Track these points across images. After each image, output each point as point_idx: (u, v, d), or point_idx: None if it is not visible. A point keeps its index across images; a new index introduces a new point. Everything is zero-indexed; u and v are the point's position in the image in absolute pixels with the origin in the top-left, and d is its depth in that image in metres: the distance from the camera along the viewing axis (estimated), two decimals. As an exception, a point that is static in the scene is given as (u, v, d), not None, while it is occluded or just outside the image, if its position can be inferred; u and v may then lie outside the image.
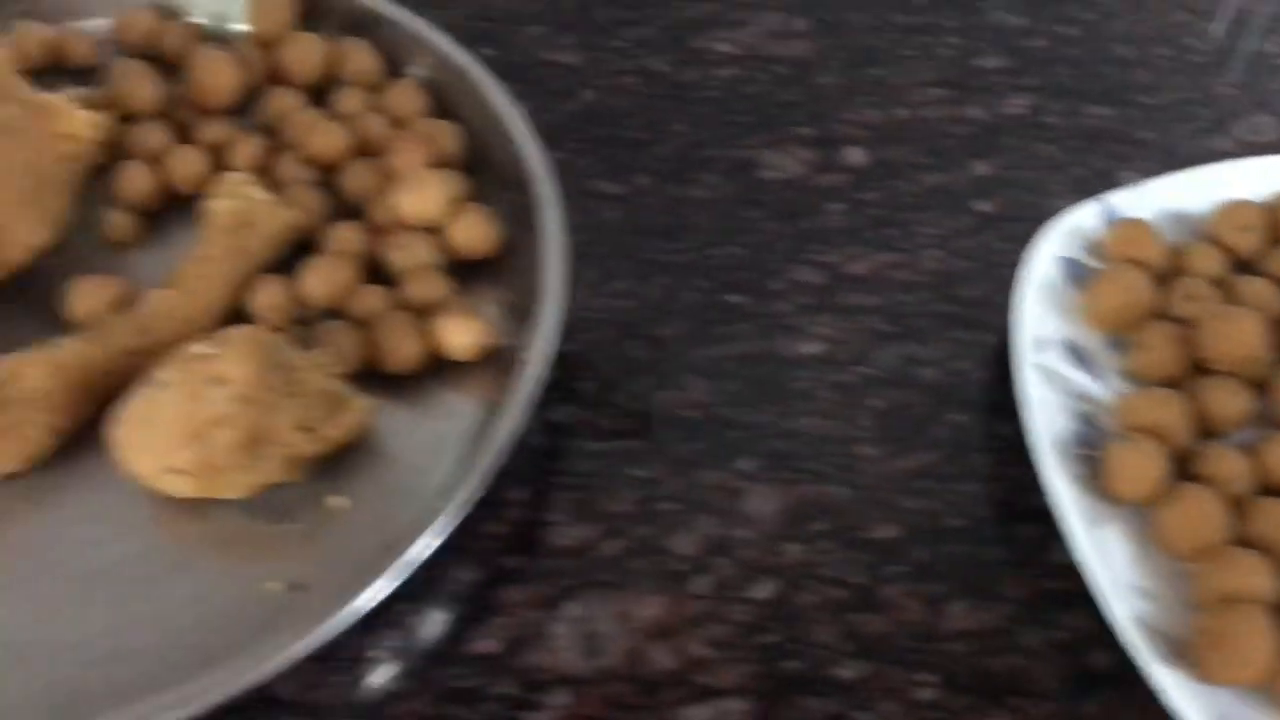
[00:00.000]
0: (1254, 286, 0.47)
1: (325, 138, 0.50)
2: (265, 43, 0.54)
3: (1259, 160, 0.52)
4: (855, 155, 0.56)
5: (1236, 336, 0.44)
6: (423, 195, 0.47)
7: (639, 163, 0.55)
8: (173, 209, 0.51)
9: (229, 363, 0.41)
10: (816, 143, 0.56)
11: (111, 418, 0.42)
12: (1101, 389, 0.46)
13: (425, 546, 0.39)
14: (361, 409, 0.43)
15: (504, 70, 0.52)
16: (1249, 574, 0.39)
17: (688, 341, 0.49)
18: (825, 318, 0.50)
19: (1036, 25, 0.63)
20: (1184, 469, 0.43)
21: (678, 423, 0.46)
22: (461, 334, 0.45)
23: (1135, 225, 0.48)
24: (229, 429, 0.41)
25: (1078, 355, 0.46)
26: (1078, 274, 0.48)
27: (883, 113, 0.58)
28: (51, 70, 0.55)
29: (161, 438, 0.41)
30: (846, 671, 0.41)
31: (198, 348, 0.41)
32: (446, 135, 0.51)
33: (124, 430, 0.41)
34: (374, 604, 0.38)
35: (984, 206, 0.54)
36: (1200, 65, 0.61)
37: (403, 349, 0.45)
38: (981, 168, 0.56)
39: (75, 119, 0.48)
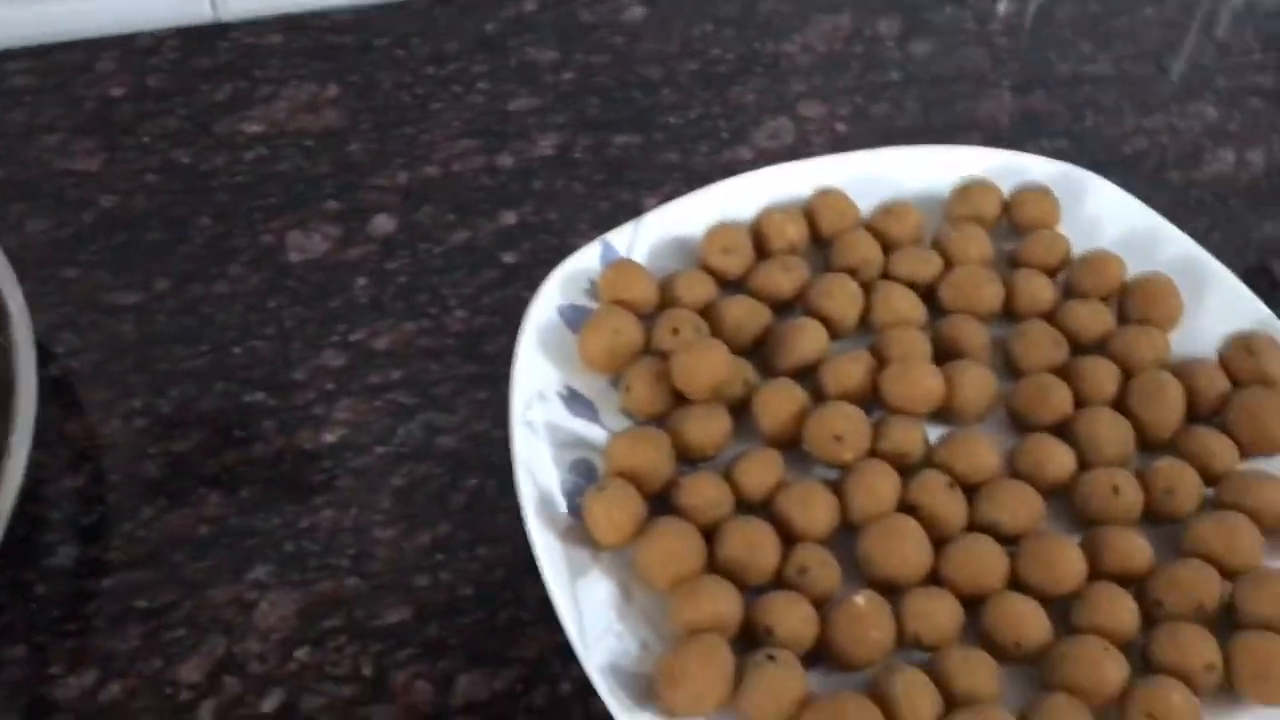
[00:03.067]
0: (737, 309, 0.49)
1: None
2: None
3: (748, 176, 0.53)
4: (383, 223, 0.56)
5: (702, 368, 0.45)
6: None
7: (159, 266, 0.54)
8: None
9: None
10: (343, 216, 0.56)
11: None
12: (605, 434, 0.47)
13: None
14: None
15: (13, 189, 0.51)
16: (710, 602, 0.40)
17: (204, 452, 0.48)
18: (347, 401, 0.50)
19: (566, 58, 0.64)
20: (671, 502, 0.44)
21: (190, 542, 0.46)
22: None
23: (621, 266, 0.49)
24: None
25: (579, 402, 0.48)
26: (580, 319, 0.49)
27: (411, 173, 0.58)
28: None
29: None
30: (359, 769, 0.41)
31: None
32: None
33: None
34: None
35: (510, 257, 0.55)
36: (725, 75, 0.63)
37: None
38: (509, 217, 0.56)
39: None
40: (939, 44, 0.65)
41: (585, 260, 0.51)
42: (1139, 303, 0.50)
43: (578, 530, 0.43)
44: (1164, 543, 0.44)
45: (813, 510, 0.43)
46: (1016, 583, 0.43)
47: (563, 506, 0.44)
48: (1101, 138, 0.61)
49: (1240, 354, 0.48)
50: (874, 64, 0.64)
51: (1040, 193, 0.52)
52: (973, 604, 0.42)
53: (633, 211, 0.56)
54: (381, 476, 0.48)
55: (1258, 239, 0.57)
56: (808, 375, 0.48)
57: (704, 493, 0.44)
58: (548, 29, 0.65)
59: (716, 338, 0.49)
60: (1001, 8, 0.67)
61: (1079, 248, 0.52)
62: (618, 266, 0.49)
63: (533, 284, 0.53)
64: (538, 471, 0.44)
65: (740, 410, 0.47)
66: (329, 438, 0.49)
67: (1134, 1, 0.69)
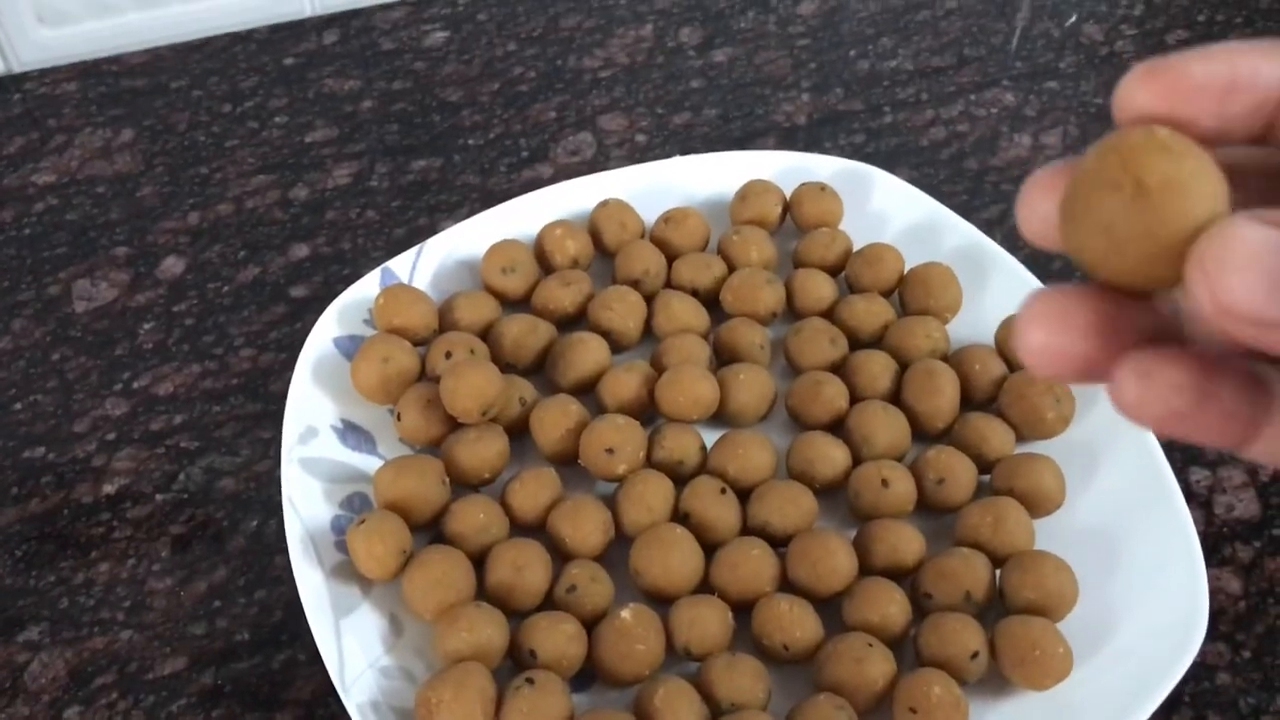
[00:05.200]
0: (515, 327, 0.48)
1: None
2: None
3: (533, 195, 0.53)
4: (172, 266, 0.55)
5: (466, 389, 0.44)
6: None
7: (-62, 328, 0.53)
8: None
9: None
10: (132, 261, 0.55)
11: None
12: (381, 463, 0.46)
13: None
14: None
15: None
16: (470, 629, 0.40)
17: (-23, 513, 0.47)
18: (128, 450, 0.49)
19: (367, 86, 0.63)
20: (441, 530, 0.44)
21: (-42, 606, 0.45)
22: None
23: (393, 292, 0.49)
24: None
25: (357, 435, 0.47)
26: (355, 350, 0.49)
27: (203, 213, 0.57)
28: None
29: None
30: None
31: None
32: None
33: None
34: None
35: (299, 291, 0.54)
36: (526, 94, 0.63)
37: None
38: (300, 250, 0.56)
39: None
40: (740, 50, 0.65)
41: (365, 289, 0.50)
42: (918, 293, 0.50)
43: (348, 566, 0.43)
44: (942, 533, 0.44)
45: (583, 526, 0.43)
46: (788, 584, 0.42)
47: (333, 543, 0.43)
48: (899, 131, 0.61)
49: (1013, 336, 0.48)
50: (676, 74, 0.64)
51: (819, 191, 0.52)
52: (746, 608, 0.42)
53: (429, 236, 0.55)
54: (160, 525, 0.47)
55: (1051, 221, 0.57)
56: (592, 390, 0.48)
57: (472, 518, 0.43)
58: (348, 59, 0.64)
59: (498, 358, 0.48)
60: (804, 8, 0.67)
61: (865, 242, 0.52)
62: (389, 293, 0.49)
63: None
64: (307, 509, 0.44)
65: (522, 430, 0.47)
66: (108, 489, 0.48)
67: (936, -6, 0.69)
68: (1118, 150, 0.18)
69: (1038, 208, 0.19)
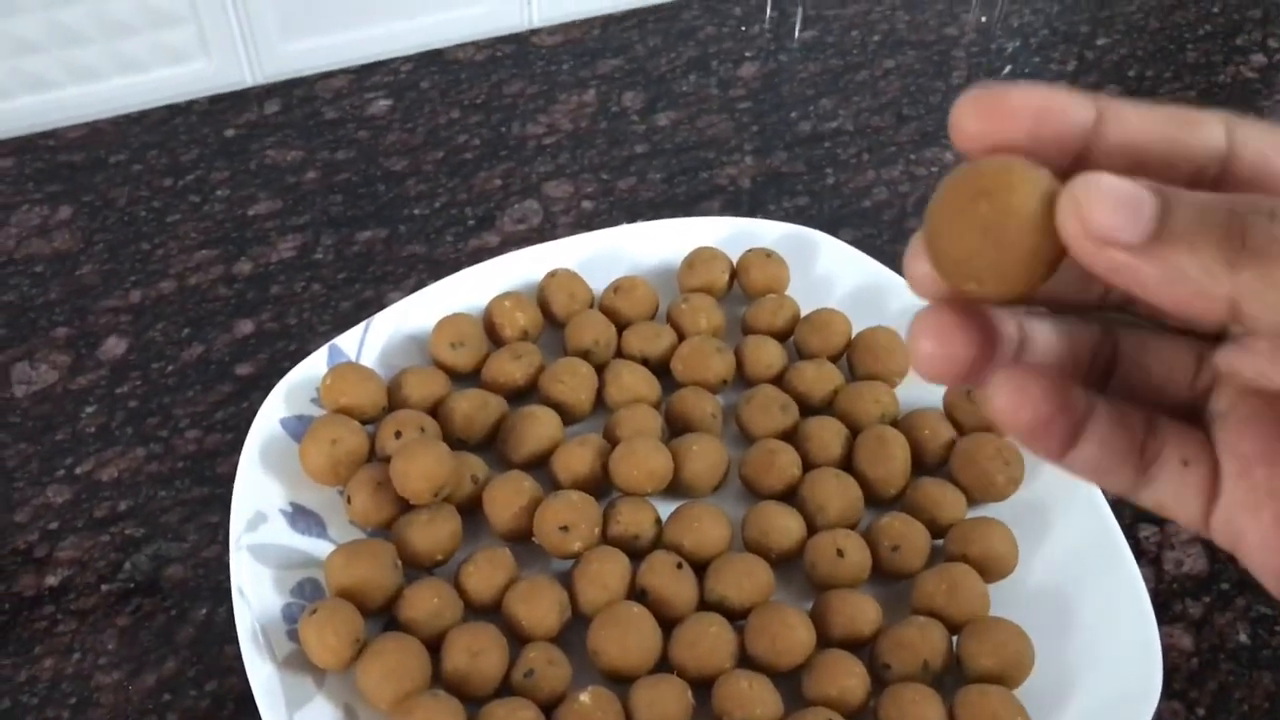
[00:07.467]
0: (466, 403, 0.48)
1: None
2: None
3: (480, 267, 0.53)
4: (113, 346, 0.54)
5: (417, 470, 0.44)
6: None
7: None
8: None
9: None
10: (72, 342, 0.54)
11: None
12: (332, 547, 0.46)
13: None
14: None
15: None
16: (428, 720, 0.39)
17: (-87, 611, 0.46)
18: (71, 539, 0.48)
19: (310, 157, 0.63)
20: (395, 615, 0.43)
21: (-105, 710, 0.43)
22: None
23: (340, 371, 0.48)
24: None
25: (306, 518, 0.46)
26: (303, 430, 0.48)
27: (145, 290, 0.56)
28: None
29: None
30: None
31: None
32: None
33: None
34: None
35: (245, 369, 0.54)
36: (471, 162, 0.63)
37: None
38: (245, 326, 0.55)
39: None
40: (683, 113, 0.66)
41: (312, 368, 0.50)
42: (865, 358, 0.50)
43: (300, 656, 0.42)
44: (898, 600, 0.44)
45: (539, 607, 0.43)
46: (747, 658, 0.42)
47: (285, 633, 0.42)
48: (841, 193, 0.61)
49: (961, 401, 0.48)
50: (619, 138, 0.64)
51: (765, 257, 0.53)
52: (706, 686, 0.42)
53: (376, 308, 0.55)
54: (106, 616, 0.46)
55: (994, 279, 0.58)
56: (545, 464, 0.48)
57: (426, 603, 0.43)
58: (290, 129, 0.64)
59: (448, 435, 0.48)
60: (744, 70, 0.68)
61: (812, 307, 0.53)
62: (337, 372, 0.48)
63: (267, 395, 0.52)
64: (257, 598, 0.43)
65: (475, 508, 0.47)
66: (51, 580, 0.47)
67: (874, 54, 0.70)
68: (959, 177, 0.20)
69: (922, 268, 0.22)
